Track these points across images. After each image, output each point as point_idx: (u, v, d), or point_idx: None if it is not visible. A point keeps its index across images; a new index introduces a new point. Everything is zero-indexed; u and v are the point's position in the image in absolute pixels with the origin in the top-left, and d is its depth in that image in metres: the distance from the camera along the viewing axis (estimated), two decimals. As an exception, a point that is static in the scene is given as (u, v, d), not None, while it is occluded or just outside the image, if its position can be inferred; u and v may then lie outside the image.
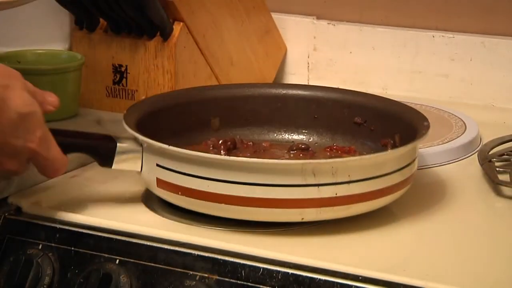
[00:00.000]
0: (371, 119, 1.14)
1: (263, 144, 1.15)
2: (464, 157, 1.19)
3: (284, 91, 1.19)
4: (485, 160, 1.14)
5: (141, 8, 1.23)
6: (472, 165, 1.16)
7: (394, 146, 1.08)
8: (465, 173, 1.15)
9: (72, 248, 0.98)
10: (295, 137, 1.17)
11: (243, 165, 0.94)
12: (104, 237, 0.98)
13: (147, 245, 0.96)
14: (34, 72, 1.23)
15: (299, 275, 0.90)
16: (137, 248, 0.96)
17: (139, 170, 1.02)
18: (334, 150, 1.13)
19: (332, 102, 1.16)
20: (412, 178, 1.02)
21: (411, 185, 1.02)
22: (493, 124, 1.25)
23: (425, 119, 1.06)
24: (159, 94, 1.22)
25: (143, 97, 1.29)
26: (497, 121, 1.27)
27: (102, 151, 1.01)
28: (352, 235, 0.98)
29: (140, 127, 1.03)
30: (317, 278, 0.89)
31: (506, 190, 1.08)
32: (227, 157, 1.01)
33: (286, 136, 1.18)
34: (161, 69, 1.28)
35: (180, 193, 0.98)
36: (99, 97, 1.33)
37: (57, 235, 0.99)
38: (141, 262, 0.95)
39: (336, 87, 1.22)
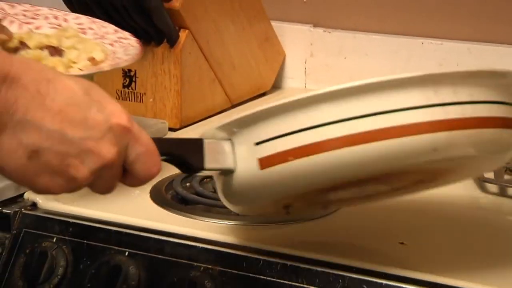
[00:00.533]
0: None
1: None
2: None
3: None
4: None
5: (149, 17, 1.23)
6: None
7: None
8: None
9: (84, 241, 0.98)
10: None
11: (360, 89, 0.77)
12: (114, 230, 0.98)
13: (154, 238, 0.96)
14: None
15: (297, 266, 0.89)
16: (145, 241, 0.96)
17: (234, 166, 0.84)
18: None
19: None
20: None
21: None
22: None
23: None
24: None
25: (151, 100, 1.30)
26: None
27: (191, 151, 0.85)
28: (341, 229, 0.97)
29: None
30: (313, 269, 0.89)
31: (490, 186, 1.08)
32: (340, 87, 0.78)
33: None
34: (168, 74, 1.28)
35: (290, 158, 0.80)
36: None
37: (70, 229, 0.99)
38: (149, 254, 0.95)
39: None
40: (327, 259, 0.90)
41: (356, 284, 0.87)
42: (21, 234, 1.01)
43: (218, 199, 1.01)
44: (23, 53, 1.05)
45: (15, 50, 1.06)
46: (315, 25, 1.49)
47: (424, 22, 1.43)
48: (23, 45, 1.07)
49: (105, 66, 1.06)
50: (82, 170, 0.76)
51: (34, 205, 1.03)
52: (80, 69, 1.06)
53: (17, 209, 1.03)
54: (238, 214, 0.99)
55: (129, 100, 1.32)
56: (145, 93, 1.31)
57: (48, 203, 1.03)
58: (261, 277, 0.90)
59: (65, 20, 1.18)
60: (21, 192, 1.05)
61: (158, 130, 1.24)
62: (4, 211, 1.03)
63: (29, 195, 1.04)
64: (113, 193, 1.06)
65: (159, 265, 0.94)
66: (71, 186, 0.78)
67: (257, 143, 0.82)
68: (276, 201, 0.86)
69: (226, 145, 0.84)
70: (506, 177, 1.09)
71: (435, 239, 0.97)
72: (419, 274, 0.86)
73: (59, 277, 0.97)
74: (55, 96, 0.74)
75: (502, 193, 1.07)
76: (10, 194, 1.05)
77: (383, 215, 1.01)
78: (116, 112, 0.77)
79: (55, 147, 0.75)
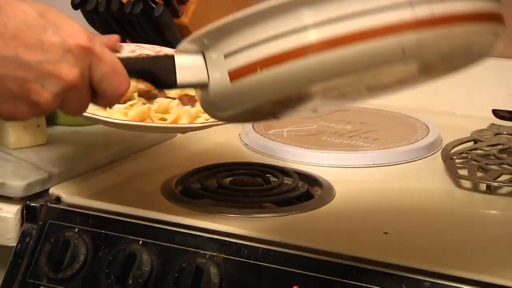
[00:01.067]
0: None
1: None
2: (428, 155, 1.19)
3: None
4: (447, 158, 1.14)
5: (161, 31, 1.23)
6: (435, 162, 1.16)
7: None
8: (430, 169, 1.15)
9: (103, 231, 0.98)
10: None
11: None
12: (129, 222, 0.98)
13: (165, 229, 0.96)
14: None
15: (292, 253, 0.89)
16: (157, 231, 0.96)
17: (207, 79, 0.76)
18: None
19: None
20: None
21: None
22: (454, 128, 1.25)
23: None
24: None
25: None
26: (457, 125, 1.27)
27: (161, 66, 0.78)
28: (330, 221, 0.98)
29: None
30: (306, 256, 0.89)
31: (464, 183, 1.08)
32: None
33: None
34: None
35: (258, 68, 0.72)
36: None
37: (90, 220, 0.99)
38: (161, 243, 0.95)
39: None
40: (318, 247, 0.89)
41: (345, 269, 0.87)
42: (47, 225, 1.01)
43: (222, 194, 1.02)
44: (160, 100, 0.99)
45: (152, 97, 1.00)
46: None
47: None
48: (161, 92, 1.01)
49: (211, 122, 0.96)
50: (44, 94, 0.71)
51: (58, 199, 1.03)
52: (206, 119, 0.97)
53: (43, 203, 1.03)
54: (239, 207, 1.00)
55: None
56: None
57: (70, 198, 1.03)
58: (260, 263, 0.90)
59: None
60: (47, 188, 1.05)
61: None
62: (32, 204, 1.03)
63: (54, 190, 1.04)
64: (129, 188, 1.06)
65: (169, 253, 0.94)
66: (35, 110, 0.72)
67: (226, 55, 0.74)
68: (254, 109, 0.79)
69: (198, 59, 0.76)
70: (479, 174, 1.09)
71: (415, 229, 0.97)
72: (401, 260, 0.86)
73: (80, 263, 0.97)
74: (7, 22, 0.69)
75: (475, 188, 1.07)
76: (37, 189, 1.05)
77: (369, 209, 1.01)
78: (74, 33, 0.71)
79: (12, 73, 0.69)
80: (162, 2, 1.23)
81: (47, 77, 0.70)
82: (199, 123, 0.96)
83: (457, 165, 1.12)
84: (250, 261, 0.91)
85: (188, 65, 0.77)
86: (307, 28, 0.70)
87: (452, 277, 0.84)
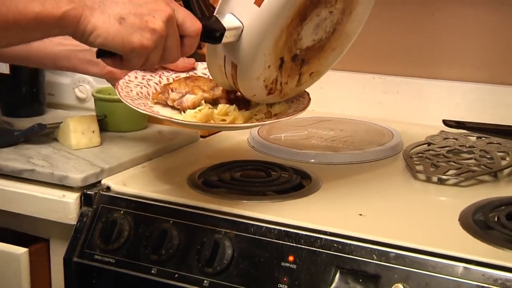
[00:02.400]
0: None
1: None
2: (392, 155, 1.17)
3: None
4: (407, 157, 1.12)
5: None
6: (397, 161, 1.14)
7: None
8: (394, 165, 1.13)
9: (142, 213, 0.96)
10: None
11: None
12: (162, 206, 0.96)
13: (190, 211, 0.94)
14: (117, 100, 1.21)
15: (288, 231, 0.88)
16: (183, 213, 0.94)
17: (240, 24, 0.85)
18: None
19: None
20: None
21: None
22: (412, 134, 1.24)
23: None
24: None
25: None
26: (414, 132, 1.26)
27: (212, 21, 0.86)
28: (317, 206, 0.96)
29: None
30: (300, 233, 0.87)
31: (420, 176, 1.06)
32: None
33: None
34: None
35: None
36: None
37: (133, 205, 0.98)
38: (186, 222, 0.93)
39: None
40: (308, 226, 0.88)
41: (329, 243, 0.86)
42: (99, 208, 0.99)
43: (235, 184, 1.01)
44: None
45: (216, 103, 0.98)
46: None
47: (372, 63, 1.42)
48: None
49: (267, 121, 0.97)
50: (157, 21, 0.78)
51: (108, 188, 1.02)
52: (257, 120, 0.97)
53: (96, 191, 1.01)
54: (248, 195, 0.98)
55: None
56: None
57: (118, 187, 1.01)
58: (264, 238, 0.89)
59: None
60: (100, 179, 1.03)
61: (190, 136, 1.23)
62: (88, 192, 1.01)
63: (105, 181, 1.02)
64: (162, 180, 1.05)
65: (193, 230, 0.92)
66: (155, 37, 0.78)
67: None
68: (276, 41, 0.86)
69: (229, 16, 0.85)
70: (432, 169, 1.07)
71: (383, 211, 0.95)
72: (373, 236, 0.85)
73: (125, 238, 0.96)
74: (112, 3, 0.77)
75: (429, 180, 1.05)
76: (92, 180, 1.03)
77: (348, 196, 1.00)
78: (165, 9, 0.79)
79: (132, 11, 0.77)
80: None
81: (155, 11, 0.78)
82: (250, 123, 0.96)
83: (415, 162, 1.10)
84: (256, 237, 0.89)
85: (226, 19, 0.85)
86: None
87: (411, 248, 0.83)
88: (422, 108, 1.35)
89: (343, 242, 0.85)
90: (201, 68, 1.06)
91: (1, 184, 1.05)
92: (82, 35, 0.77)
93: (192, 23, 0.81)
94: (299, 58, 0.94)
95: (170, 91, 0.98)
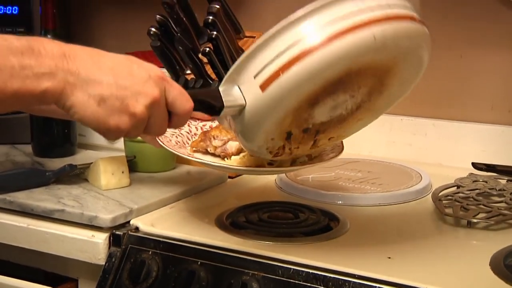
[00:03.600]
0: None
1: None
2: (420, 197, 1.16)
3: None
4: (436, 199, 1.12)
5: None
6: (426, 203, 1.14)
7: None
8: (422, 208, 1.13)
9: (170, 254, 0.97)
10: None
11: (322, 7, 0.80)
12: (191, 247, 0.96)
13: (218, 253, 0.94)
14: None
15: (316, 273, 0.88)
16: (211, 254, 0.94)
17: (244, 102, 0.81)
18: None
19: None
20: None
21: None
22: (441, 176, 1.23)
23: None
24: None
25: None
26: (443, 174, 1.25)
27: (212, 96, 0.82)
28: (345, 249, 0.95)
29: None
30: (327, 276, 0.87)
31: (449, 219, 1.05)
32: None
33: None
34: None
35: (281, 72, 0.79)
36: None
37: (161, 245, 0.98)
38: (214, 263, 0.93)
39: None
40: (336, 268, 0.88)
41: (358, 286, 0.85)
42: (128, 249, 1.00)
43: (262, 225, 1.01)
44: None
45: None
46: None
47: (401, 104, 1.42)
48: None
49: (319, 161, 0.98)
50: (138, 106, 0.75)
51: (137, 229, 1.02)
52: (300, 162, 0.97)
53: (125, 231, 1.02)
54: (275, 236, 0.98)
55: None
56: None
57: (146, 228, 1.02)
58: (291, 280, 0.88)
59: None
60: (128, 220, 1.04)
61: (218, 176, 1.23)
62: (117, 232, 1.02)
63: (133, 222, 1.03)
64: (190, 221, 1.05)
65: (221, 271, 0.92)
66: (134, 121, 0.76)
67: (255, 76, 0.80)
68: (279, 123, 0.83)
69: (235, 90, 0.81)
70: (461, 212, 1.07)
71: (412, 255, 0.94)
72: (402, 279, 0.84)
73: (153, 278, 0.96)
74: (106, 61, 0.75)
75: (458, 224, 1.04)
76: (121, 221, 1.04)
77: (376, 239, 0.99)
78: (152, 68, 0.77)
79: (114, 93, 0.74)
80: (217, 79, 1.22)
81: (139, 94, 0.75)
82: (297, 166, 0.97)
83: (444, 205, 1.09)
84: (284, 279, 0.89)
85: (229, 93, 0.81)
86: (305, 37, 0.78)
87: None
88: (451, 150, 1.34)
89: (371, 286, 0.85)
90: None
91: (33, 224, 1.06)
92: (62, 108, 0.75)
93: (182, 104, 0.78)
94: (312, 130, 0.88)
95: (212, 138, 0.99)
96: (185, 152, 0.98)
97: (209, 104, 0.82)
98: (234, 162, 0.96)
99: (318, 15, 0.79)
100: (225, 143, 0.97)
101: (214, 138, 0.98)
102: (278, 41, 0.79)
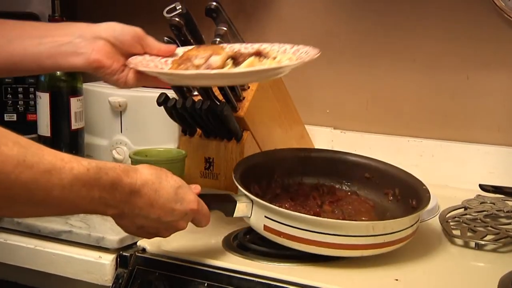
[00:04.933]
0: (376, 175, 1.13)
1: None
2: (428, 219, 1.16)
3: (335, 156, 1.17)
4: (444, 221, 1.11)
5: (223, 122, 1.23)
6: (433, 225, 1.14)
7: (394, 195, 1.09)
8: (430, 229, 1.12)
9: (177, 275, 0.97)
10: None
11: (329, 224, 0.93)
12: (197, 268, 0.96)
13: (224, 274, 0.95)
14: (155, 162, 1.23)
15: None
16: (218, 275, 0.95)
17: (249, 216, 0.98)
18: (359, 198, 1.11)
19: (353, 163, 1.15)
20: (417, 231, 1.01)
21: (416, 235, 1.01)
22: (448, 198, 1.23)
23: (422, 183, 1.07)
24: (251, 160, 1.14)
25: (223, 178, 1.29)
26: (450, 196, 1.25)
27: (227, 206, 0.98)
28: (352, 271, 0.95)
29: (244, 180, 1.02)
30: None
31: (457, 241, 1.05)
32: (317, 218, 0.94)
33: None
34: (235, 160, 1.27)
35: (281, 236, 0.95)
36: (195, 177, 1.32)
37: (168, 267, 0.98)
38: (221, 285, 0.93)
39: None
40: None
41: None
42: (135, 270, 1.00)
43: (268, 247, 1.01)
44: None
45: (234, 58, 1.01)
46: (335, 127, 1.49)
47: (408, 127, 1.42)
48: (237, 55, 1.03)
49: (306, 59, 0.99)
50: (165, 234, 0.90)
51: (144, 250, 1.02)
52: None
53: (132, 253, 1.02)
54: (280, 258, 0.98)
55: (209, 178, 1.32)
56: (219, 173, 1.31)
57: (153, 249, 1.02)
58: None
59: (253, 48, 1.06)
60: (135, 241, 1.04)
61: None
62: (124, 254, 1.02)
63: (141, 243, 1.03)
64: (197, 243, 1.05)
65: (228, 293, 0.93)
66: (155, 236, 0.90)
67: (266, 217, 0.95)
68: None
69: (248, 205, 0.98)
70: (469, 234, 1.06)
71: (419, 277, 0.94)
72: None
73: (159, 300, 0.96)
74: (158, 199, 0.85)
75: (466, 245, 1.04)
76: (128, 242, 1.04)
77: (383, 261, 0.99)
78: (191, 202, 0.88)
79: (154, 225, 0.87)
80: (224, 100, 1.23)
81: (171, 227, 0.89)
82: (280, 64, 0.99)
83: (452, 227, 1.09)
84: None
85: (242, 209, 0.98)
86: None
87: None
88: (458, 171, 1.34)
89: (379, 308, 0.85)
90: (182, 51, 1.06)
91: (40, 245, 1.07)
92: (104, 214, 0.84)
93: (201, 223, 0.93)
94: None
95: (192, 58, 0.98)
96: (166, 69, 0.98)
97: (224, 211, 0.99)
98: None
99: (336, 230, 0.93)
100: (207, 59, 0.98)
101: (194, 58, 0.98)
102: (302, 224, 0.93)
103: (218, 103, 1.22)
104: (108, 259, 1.02)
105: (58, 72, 1.33)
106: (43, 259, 1.06)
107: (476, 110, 1.36)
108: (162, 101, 1.25)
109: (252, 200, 0.98)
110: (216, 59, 0.98)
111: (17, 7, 1.41)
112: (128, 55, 1.01)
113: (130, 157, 1.28)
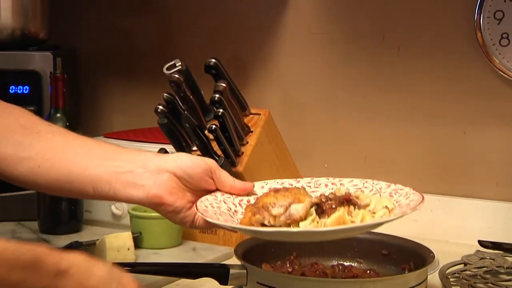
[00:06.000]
0: (394, 251, 1.09)
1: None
2: (428, 275, 1.15)
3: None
4: (443, 277, 1.11)
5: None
6: (433, 280, 1.12)
7: (410, 270, 1.00)
8: (429, 286, 1.10)
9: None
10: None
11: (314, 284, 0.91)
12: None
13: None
14: (154, 217, 1.23)
15: None
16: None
17: (245, 284, 0.93)
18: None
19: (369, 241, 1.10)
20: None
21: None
22: (448, 253, 1.22)
23: (430, 251, 1.02)
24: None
25: (222, 233, 1.28)
26: (450, 251, 1.24)
27: (222, 275, 0.94)
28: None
29: (244, 256, 0.97)
30: None
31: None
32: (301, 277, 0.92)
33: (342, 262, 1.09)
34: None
35: None
36: (194, 232, 1.31)
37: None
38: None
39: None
40: None
41: None
42: None
43: None
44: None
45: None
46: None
47: (406, 179, 1.42)
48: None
49: (408, 210, 0.86)
50: None
51: None
52: (380, 216, 0.89)
53: None
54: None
55: (207, 233, 1.30)
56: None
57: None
58: None
59: (341, 184, 0.97)
60: None
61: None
62: None
63: None
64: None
65: None
66: None
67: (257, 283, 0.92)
68: None
69: (243, 272, 0.94)
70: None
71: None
72: None
73: None
74: (90, 279, 0.74)
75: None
76: None
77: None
78: (128, 283, 0.77)
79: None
80: (223, 155, 1.24)
81: None
82: (387, 218, 0.86)
83: (451, 283, 1.08)
84: None
85: (237, 277, 0.94)
86: None
87: None
88: (457, 226, 1.34)
89: None
90: (258, 188, 0.97)
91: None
92: None
93: None
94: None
95: (269, 207, 0.85)
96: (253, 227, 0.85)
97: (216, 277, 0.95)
98: (306, 227, 0.84)
99: None
100: (287, 208, 0.84)
101: (271, 206, 0.85)
102: None
103: (217, 158, 1.22)
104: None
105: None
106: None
107: (474, 165, 1.36)
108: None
109: (246, 269, 0.93)
110: (297, 209, 0.84)
111: (20, 65, 1.43)
112: (196, 190, 0.92)
113: (129, 212, 1.27)
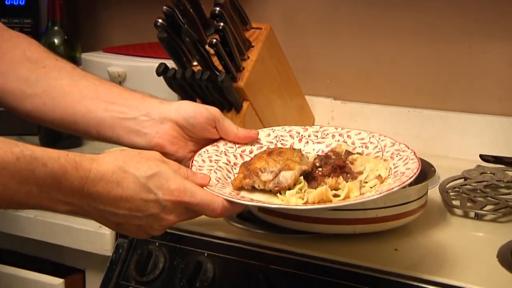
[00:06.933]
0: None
1: None
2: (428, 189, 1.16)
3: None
4: (443, 191, 1.11)
5: (223, 92, 1.22)
6: (433, 195, 1.13)
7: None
8: (430, 200, 1.11)
9: (177, 245, 0.97)
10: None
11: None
12: (197, 238, 0.97)
13: (224, 244, 0.95)
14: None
15: (323, 265, 0.88)
16: (218, 245, 0.95)
17: None
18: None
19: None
20: (424, 205, 0.97)
21: (423, 210, 0.97)
22: (448, 168, 1.22)
23: (431, 165, 1.02)
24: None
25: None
26: (450, 166, 1.24)
27: None
28: (356, 241, 0.96)
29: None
30: (336, 267, 0.88)
31: (457, 211, 1.05)
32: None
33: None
34: (235, 131, 1.26)
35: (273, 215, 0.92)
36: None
37: (168, 237, 0.98)
38: (221, 255, 0.94)
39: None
40: (344, 260, 0.88)
41: (365, 278, 0.86)
42: (135, 240, 1.00)
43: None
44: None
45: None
46: (335, 98, 1.48)
47: (409, 96, 1.41)
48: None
49: (395, 187, 0.81)
50: (154, 232, 0.78)
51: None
52: (370, 187, 0.84)
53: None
54: (281, 229, 0.98)
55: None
56: (219, 144, 1.30)
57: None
58: (299, 272, 0.89)
59: (348, 136, 0.95)
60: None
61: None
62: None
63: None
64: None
65: (227, 263, 0.93)
66: (150, 235, 0.80)
67: None
68: None
69: None
70: (468, 204, 1.06)
71: (418, 247, 0.94)
72: (407, 271, 0.85)
73: (160, 269, 0.96)
74: (122, 192, 0.74)
75: (466, 215, 1.04)
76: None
77: (383, 232, 0.99)
78: (167, 192, 0.76)
79: (130, 222, 0.76)
80: (224, 71, 1.22)
81: (153, 223, 0.77)
82: (377, 194, 0.81)
83: (451, 197, 1.09)
84: (291, 270, 0.89)
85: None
86: None
87: (447, 285, 0.82)
88: (458, 142, 1.34)
89: (378, 277, 0.85)
90: (264, 136, 0.96)
91: (40, 215, 1.07)
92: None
93: (208, 214, 0.79)
94: None
95: (259, 172, 0.84)
96: (234, 195, 0.83)
97: None
98: (292, 198, 0.83)
99: None
100: (276, 175, 0.84)
101: (261, 171, 0.84)
102: None
103: (218, 73, 1.21)
104: (108, 229, 1.02)
105: (56, 40, 1.31)
106: (43, 229, 1.06)
107: (477, 81, 1.35)
108: (162, 71, 1.23)
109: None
110: (286, 177, 0.83)
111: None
112: (199, 139, 0.91)
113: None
